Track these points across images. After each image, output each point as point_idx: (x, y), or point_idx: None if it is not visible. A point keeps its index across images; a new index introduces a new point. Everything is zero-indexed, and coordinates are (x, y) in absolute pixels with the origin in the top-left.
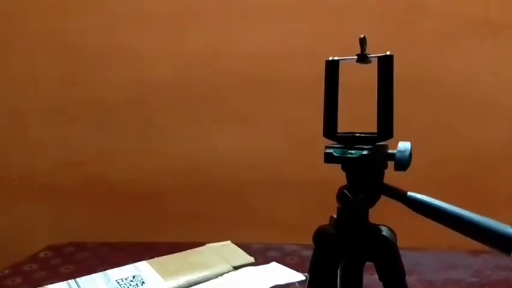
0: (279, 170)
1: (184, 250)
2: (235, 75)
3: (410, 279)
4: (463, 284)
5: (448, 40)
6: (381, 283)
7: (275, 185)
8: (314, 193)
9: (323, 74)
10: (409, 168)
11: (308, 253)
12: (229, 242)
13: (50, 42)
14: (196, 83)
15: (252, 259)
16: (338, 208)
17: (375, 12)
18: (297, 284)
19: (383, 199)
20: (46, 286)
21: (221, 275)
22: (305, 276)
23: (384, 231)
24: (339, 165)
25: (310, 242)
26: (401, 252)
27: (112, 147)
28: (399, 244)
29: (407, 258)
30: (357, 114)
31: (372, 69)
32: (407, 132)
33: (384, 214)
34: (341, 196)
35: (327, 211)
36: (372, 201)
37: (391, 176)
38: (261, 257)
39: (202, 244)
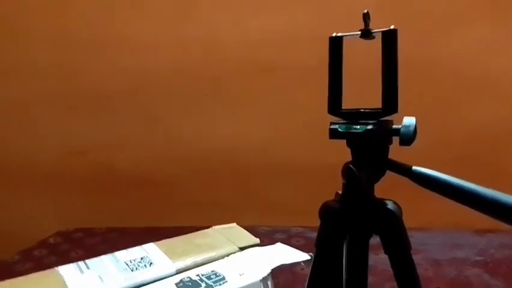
0: (280, 154)
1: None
2: (234, 61)
3: (416, 258)
4: (467, 262)
5: (451, 21)
6: (387, 261)
7: (277, 169)
8: (317, 176)
9: (323, 59)
10: (413, 147)
11: (313, 235)
12: (234, 224)
13: (49, 32)
14: (195, 70)
15: (257, 240)
16: (343, 183)
17: None
18: (302, 263)
19: (389, 179)
20: (56, 268)
21: (227, 255)
22: (310, 255)
23: (390, 205)
24: (343, 146)
25: (315, 224)
26: (407, 232)
27: (113, 135)
28: (405, 224)
29: (413, 238)
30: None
31: (376, 45)
32: (410, 114)
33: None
34: (346, 171)
35: (330, 194)
36: (377, 176)
37: (396, 156)
38: (266, 239)
39: (207, 227)
